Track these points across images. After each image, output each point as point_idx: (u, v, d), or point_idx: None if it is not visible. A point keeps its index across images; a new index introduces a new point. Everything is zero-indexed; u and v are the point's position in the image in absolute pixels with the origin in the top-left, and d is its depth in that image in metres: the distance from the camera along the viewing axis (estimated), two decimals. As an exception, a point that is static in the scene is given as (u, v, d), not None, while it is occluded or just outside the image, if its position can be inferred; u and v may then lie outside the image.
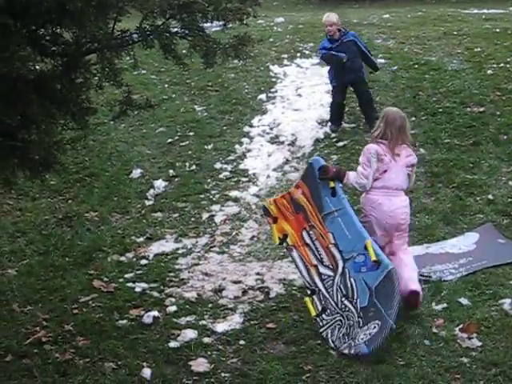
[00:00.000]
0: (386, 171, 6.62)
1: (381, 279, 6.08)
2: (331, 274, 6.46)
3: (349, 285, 6.29)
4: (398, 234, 6.72)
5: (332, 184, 6.74)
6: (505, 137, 9.80)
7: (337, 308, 6.33)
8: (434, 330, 6.29)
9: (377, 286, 6.09)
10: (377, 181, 6.65)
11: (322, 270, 6.54)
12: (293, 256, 6.80)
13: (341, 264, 6.39)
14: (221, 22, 5.80)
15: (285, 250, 7.17)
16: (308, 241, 6.68)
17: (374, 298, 6.07)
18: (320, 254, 6.58)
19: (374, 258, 6.16)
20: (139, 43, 5.59)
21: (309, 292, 6.58)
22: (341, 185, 6.79)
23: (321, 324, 6.33)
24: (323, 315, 6.37)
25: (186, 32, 5.55)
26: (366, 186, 6.65)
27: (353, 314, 6.18)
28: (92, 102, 5.71)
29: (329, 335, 6.22)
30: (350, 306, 6.23)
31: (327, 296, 6.43)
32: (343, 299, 6.30)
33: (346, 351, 6.03)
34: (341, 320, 6.25)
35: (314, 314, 6.41)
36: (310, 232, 6.67)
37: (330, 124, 10.57)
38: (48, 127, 5.29)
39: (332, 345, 6.14)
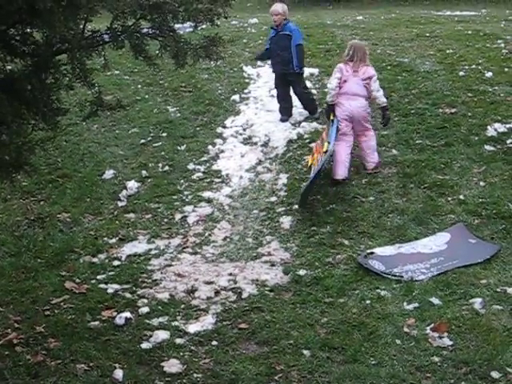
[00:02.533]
0: (346, 81, 9.37)
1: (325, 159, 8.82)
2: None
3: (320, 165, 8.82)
4: (358, 125, 9.44)
5: (331, 117, 9.51)
6: (476, 138, 9.89)
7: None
8: (406, 330, 6.34)
9: (323, 163, 8.77)
10: (341, 89, 9.41)
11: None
12: (312, 171, 9.09)
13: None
14: (192, 24, 5.80)
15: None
16: (319, 159, 8.99)
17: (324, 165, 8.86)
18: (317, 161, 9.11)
19: (324, 149, 8.90)
20: (110, 43, 5.57)
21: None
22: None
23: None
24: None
25: (157, 32, 5.55)
26: (332, 89, 9.44)
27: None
28: (63, 103, 5.67)
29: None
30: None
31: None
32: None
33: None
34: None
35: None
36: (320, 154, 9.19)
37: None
38: (18, 128, 5.26)
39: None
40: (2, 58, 4.83)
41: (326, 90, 10.16)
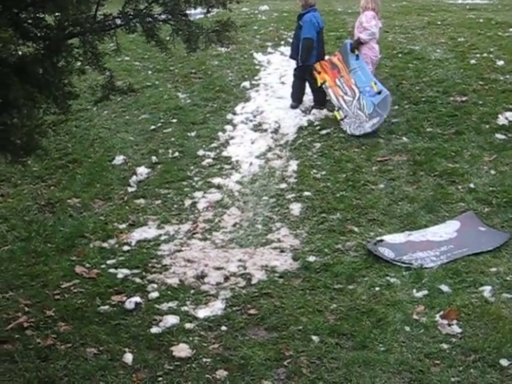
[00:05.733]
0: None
1: (381, 99, 10.14)
2: (351, 99, 10.42)
3: (362, 103, 10.29)
4: (374, 68, 10.83)
5: (356, 52, 10.60)
6: (487, 126, 9.86)
7: (353, 115, 10.23)
8: (415, 317, 6.34)
9: (378, 103, 10.13)
10: None
11: (346, 98, 10.48)
12: (328, 92, 10.66)
13: (358, 93, 10.40)
14: (204, 9, 5.77)
15: (324, 88, 10.69)
16: (338, 83, 10.60)
17: (377, 107, 10.10)
18: (345, 90, 10.54)
19: (376, 90, 10.26)
20: (122, 27, 5.55)
21: (336, 109, 10.42)
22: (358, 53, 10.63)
23: (343, 123, 10.21)
24: (345, 119, 10.23)
25: (169, 17, 5.52)
26: (374, 32, 10.57)
27: (361, 117, 10.14)
28: (74, 87, 5.67)
29: (347, 128, 10.10)
30: (361, 112, 10.20)
31: (347, 110, 10.32)
32: (357, 111, 10.25)
33: (357, 133, 10.00)
34: (355, 121, 10.14)
35: (339, 118, 10.30)
36: (341, 79, 10.61)
37: None
38: (30, 111, 5.25)
39: (349, 132, 10.05)
40: (14, 42, 4.80)
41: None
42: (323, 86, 10.63)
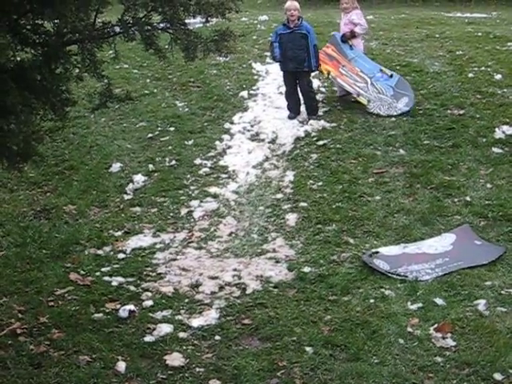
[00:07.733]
0: None
1: (396, 81, 11.01)
2: (365, 85, 11.02)
3: (378, 88, 10.97)
4: None
5: (350, 42, 11.23)
6: (484, 140, 9.87)
7: (376, 99, 10.83)
8: (409, 329, 6.31)
9: (395, 84, 10.96)
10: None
11: (358, 84, 11.01)
12: (338, 82, 11.18)
13: (368, 80, 11.06)
14: (203, 19, 5.79)
15: (332, 79, 11.33)
16: (344, 72, 11.09)
17: (397, 89, 10.90)
18: (354, 78, 11.06)
19: (389, 74, 11.17)
20: (121, 35, 5.56)
21: (356, 95, 10.99)
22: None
23: (370, 107, 10.81)
24: (370, 104, 10.80)
25: (168, 25, 5.54)
26: (367, 28, 11.59)
27: (386, 99, 10.79)
28: (72, 94, 5.67)
29: (379, 111, 10.71)
30: (383, 95, 10.85)
31: (367, 95, 10.89)
32: (378, 94, 10.88)
33: (393, 113, 10.65)
34: (381, 103, 10.76)
35: (365, 103, 10.84)
36: (344, 68, 11.10)
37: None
38: (27, 117, 5.25)
39: (384, 114, 10.67)
40: (12, 48, 4.81)
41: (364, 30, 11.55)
42: (329, 76, 11.17)
